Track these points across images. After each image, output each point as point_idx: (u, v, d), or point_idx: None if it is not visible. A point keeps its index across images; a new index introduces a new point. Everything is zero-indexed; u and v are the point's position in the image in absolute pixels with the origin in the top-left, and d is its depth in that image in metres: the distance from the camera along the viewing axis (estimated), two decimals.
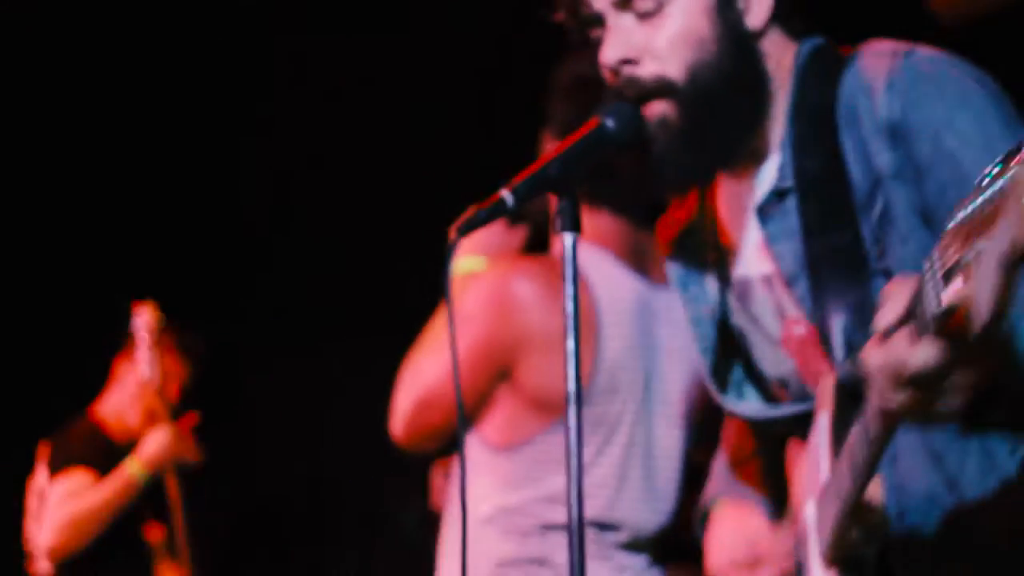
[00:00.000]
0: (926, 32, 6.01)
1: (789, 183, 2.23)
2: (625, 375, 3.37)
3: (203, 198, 7.29)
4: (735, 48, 2.23)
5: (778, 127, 2.28)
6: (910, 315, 1.68)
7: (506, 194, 2.08)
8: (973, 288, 1.50)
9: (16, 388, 7.11)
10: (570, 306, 2.10)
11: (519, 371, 3.35)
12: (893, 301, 1.73)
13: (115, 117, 7.22)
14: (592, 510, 3.30)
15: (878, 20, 6.15)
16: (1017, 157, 1.45)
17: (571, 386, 2.09)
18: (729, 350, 2.47)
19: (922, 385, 1.70)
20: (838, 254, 2.16)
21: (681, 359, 3.38)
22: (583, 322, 3.27)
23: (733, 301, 2.41)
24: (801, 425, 2.28)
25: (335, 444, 7.12)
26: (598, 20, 2.28)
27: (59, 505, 5.17)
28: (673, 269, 2.49)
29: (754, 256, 2.34)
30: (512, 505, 3.36)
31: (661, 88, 2.22)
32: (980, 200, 1.50)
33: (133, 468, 5.22)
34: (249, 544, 7.13)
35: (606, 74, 2.27)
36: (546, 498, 3.33)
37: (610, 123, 2.20)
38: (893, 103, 2.12)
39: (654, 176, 2.25)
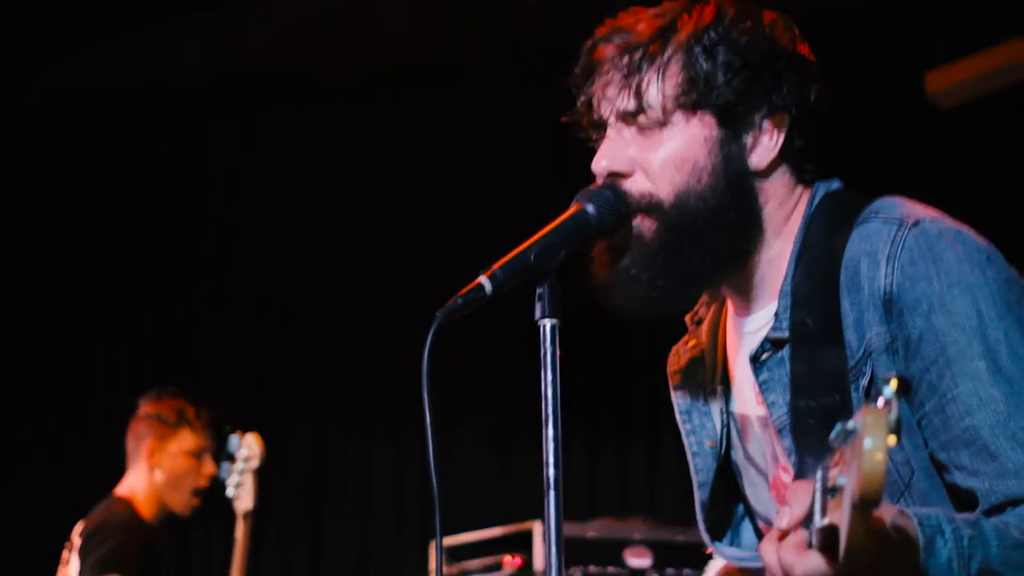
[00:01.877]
0: (924, 119, 6.13)
1: (785, 334, 2.18)
2: None
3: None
4: (729, 184, 2.18)
5: (779, 270, 2.23)
6: (807, 519, 1.71)
7: (484, 280, 2.07)
8: (838, 516, 1.58)
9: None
10: (549, 391, 2.08)
11: None
12: (795, 501, 1.74)
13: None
14: None
15: (880, 113, 6.26)
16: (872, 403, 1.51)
17: (551, 472, 2.07)
18: (726, 486, 2.41)
19: None
20: (823, 416, 2.08)
21: None
22: None
23: (734, 436, 2.37)
24: None
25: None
26: (602, 126, 2.24)
27: None
28: (678, 399, 2.43)
29: (753, 396, 2.28)
30: None
31: (646, 205, 2.18)
32: (853, 427, 1.56)
33: None
34: None
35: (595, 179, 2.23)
36: None
37: (591, 209, 2.16)
38: (892, 275, 2.08)
39: (613, 287, 2.20)
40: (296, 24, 7.02)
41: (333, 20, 6.96)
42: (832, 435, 1.62)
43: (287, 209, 7.62)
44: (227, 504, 5.36)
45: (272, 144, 7.64)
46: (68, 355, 7.57)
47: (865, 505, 1.54)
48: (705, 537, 2.42)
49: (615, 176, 2.20)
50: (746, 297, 2.28)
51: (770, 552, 1.76)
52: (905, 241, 2.09)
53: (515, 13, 6.76)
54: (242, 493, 5.30)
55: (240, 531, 5.28)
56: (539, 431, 2.08)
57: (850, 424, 1.58)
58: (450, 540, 5.88)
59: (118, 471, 5.48)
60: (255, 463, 5.33)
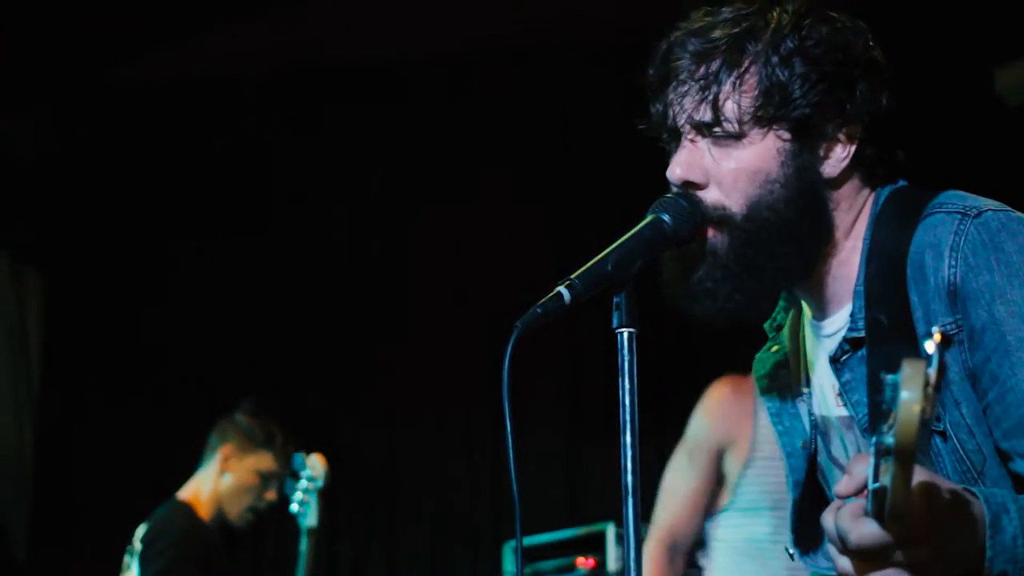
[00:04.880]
0: (993, 115, 6.08)
1: (861, 334, 2.19)
2: None
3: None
4: (801, 195, 2.19)
5: (850, 271, 2.24)
6: (864, 488, 1.74)
7: (563, 290, 2.09)
8: (889, 476, 1.60)
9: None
10: (627, 399, 2.11)
11: None
12: (854, 470, 1.77)
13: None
14: None
15: (949, 109, 6.22)
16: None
17: (629, 479, 2.09)
18: (819, 488, 2.43)
19: (864, 557, 1.76)
20: None
21: None
22: None
23: (819, 439, 2.39)
24: None
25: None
26: (677, 134, 2.25)
27: None
28: (767, 402, 2.46)
29: (832, 398, 2.30)
30: None
31: (718, 217, 2.20)
32: (894, 381, 1.59)
33: None
34: None
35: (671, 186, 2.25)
36: None
37: (667, 219, 2.18)
38: (955, 266, 2.09)
39: (689, 298, 2.22)
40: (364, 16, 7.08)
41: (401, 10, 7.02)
42: (884, 398, 1.64)
43: (356, 212, 7.67)
44: (293, 518, 5.42)
45: (340, 142, 7.69)
46: (140, 356, 7.67)
47: (902, 455, 1.56)
48: (789, 540, 2.44)
49: (689, 186, 2.22)
50: (821, 300, 2.29)
51: (828, 521, 1.79)
52: (968, 232, 2.10)
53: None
54: (306, 511, 5.38)
55: (305, 546, 5.35)
56: (612, 432, 2.10)
57: (890, 378, 1.60)
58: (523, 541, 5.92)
59: (182, 473, 5.58)
60: (319, 483, 5.40)
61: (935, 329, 1.57)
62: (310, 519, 5.37)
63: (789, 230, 2.18)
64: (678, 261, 2.23)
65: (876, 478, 1.66)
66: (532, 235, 7.29)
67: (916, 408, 1.53)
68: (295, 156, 7.69)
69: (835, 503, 1.81)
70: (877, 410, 2.10)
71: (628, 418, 2.10)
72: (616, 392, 2.12)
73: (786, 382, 2.43)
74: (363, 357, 7.54)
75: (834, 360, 2.24)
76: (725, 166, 2.20)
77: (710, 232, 2.21)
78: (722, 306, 2.22)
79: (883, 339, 2.15)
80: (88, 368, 7.69)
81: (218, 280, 7.68)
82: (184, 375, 7.59)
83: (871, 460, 1.68)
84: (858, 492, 1.76)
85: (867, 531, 1.73)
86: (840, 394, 2.26)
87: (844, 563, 1.79)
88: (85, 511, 7.51)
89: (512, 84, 7.40)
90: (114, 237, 7.77)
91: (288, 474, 5.46)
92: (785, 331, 2.44)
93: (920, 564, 1.74)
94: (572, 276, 2.11)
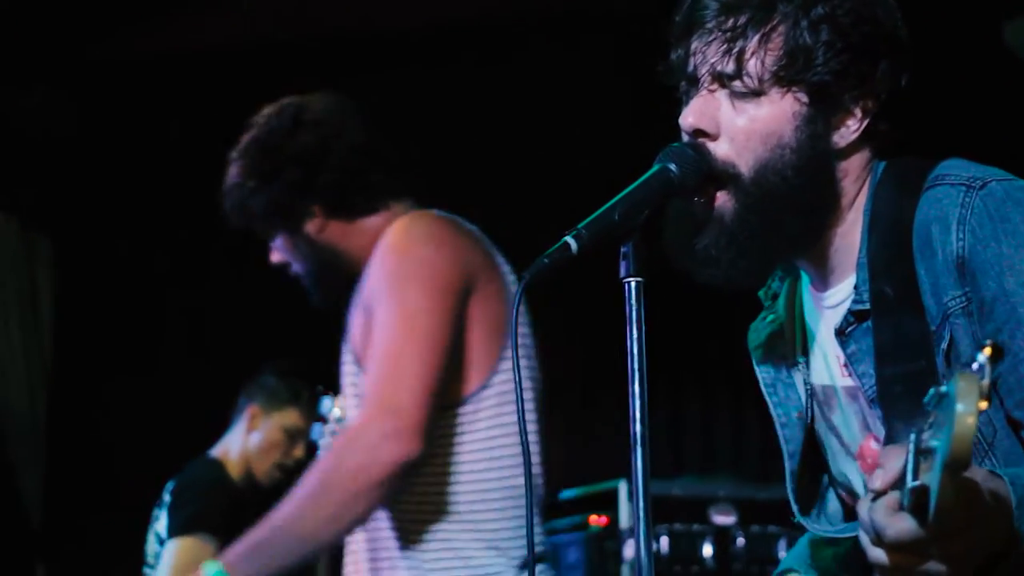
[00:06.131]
0: (1001, 69, 6.04)
1: (866, 306, 2.19)
2: None
3: None
4: (810, 162, 2.19)
5: (852, 242, 2.25)
6: (899, 481, 1.75)
7: (570, 240, 2.09)
8: (929, 478, 1.64)
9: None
10: (635, 348, 2.11)
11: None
12: (888, 464, 1.78)
13: None
14: None
15: (956, 63, 6.18)
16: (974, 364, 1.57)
17: (637, 428, 2.09)
18: (814, 456, 2.44)
19: (898, 551, 1.77)
20: (910, 382, 2.10)
21: None
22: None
23: (815, 408, 2.40)
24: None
25: None
26: (695, 82, 2.26)
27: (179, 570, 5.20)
28: (762, 373, 2.47)
29: (836, 368, 2.31)
30: None
31: (726, 174, 2.20)
32: (946, 391, 1.61)
33: None
34: None
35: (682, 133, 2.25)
36: None
37: (673, 168, 2.18)
38: (963, 239, 2.09)
39: (694, 263, 2.23)
40: None
41: None
42: (926, 399, 1.67)
43: None
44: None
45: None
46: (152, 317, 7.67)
47: (955, 467, 1.59)
48: (793, 508, 2.45)
49: (700, 134, 2.23)
50: (823, 271, 2.30)
51: (863, 513, 1.81)
52: (974, 204, 2.10)
53: None
54: None
55: None
56: (623, 389, 2.10)
57: (943, 388, 1.63)
58: None
59: (195, 436, 5.60)
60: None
61: (987, 342, 1.59)
62: None
63: (795, 199, 2.19)
64: (685, 224, 2.24)
65: (916, 476, 1.68)
66: (548, 197, 7.27)
67: (971, 421, 1.57)
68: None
69: (868, 496, 1.81)
70: (887, 384, 2.14)
71: (636, 367, 2.09)
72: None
73: (781, 352, 2.44)
74: None
75: (839, 332, 2.25)
76: (740, 122, 2.20)
77: (718, 197, 2.21)
78: (725, 272, 2.23)
79: (889, 311, 2.16)
80: (100, 334, 7.70)
81: (229, 245, 7.67)
82: (196, 340, 7.61)
83: (909, 457, 1.70)
84: (893, 486, 1.77)
85: (905, 526, 1.73)
86: (846, 365, 2.26)
87: (878, 554, 1.80)
88: (99, 476, 7.53)
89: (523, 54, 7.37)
90: (125, 203, 7.76)
91: (316, 420, 5.48)
92: (781, 300, 2.44)
93: (956, 555, 1.76)
94: (579, 226, 2.11)
